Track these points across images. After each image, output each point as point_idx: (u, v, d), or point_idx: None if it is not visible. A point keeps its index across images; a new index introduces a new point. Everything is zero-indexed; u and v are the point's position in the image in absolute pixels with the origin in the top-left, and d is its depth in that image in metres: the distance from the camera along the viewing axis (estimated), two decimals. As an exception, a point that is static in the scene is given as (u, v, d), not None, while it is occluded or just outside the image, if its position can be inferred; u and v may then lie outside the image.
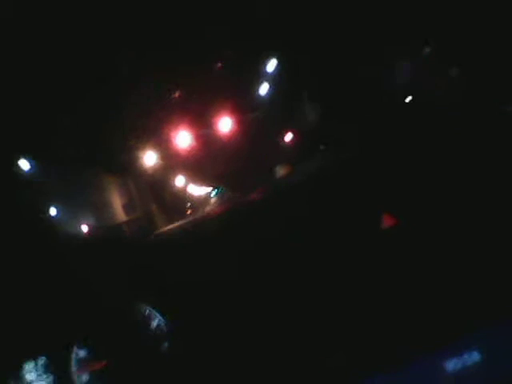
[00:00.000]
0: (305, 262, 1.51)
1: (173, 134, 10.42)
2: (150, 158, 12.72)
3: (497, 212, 1.58)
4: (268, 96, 10.76)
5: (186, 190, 23.21)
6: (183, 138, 10.50)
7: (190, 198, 24.38)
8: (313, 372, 1.48)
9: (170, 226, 2.22)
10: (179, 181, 20.07)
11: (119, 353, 1.47)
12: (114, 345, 1.47)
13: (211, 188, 24.70)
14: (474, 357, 1.48)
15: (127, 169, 12.48)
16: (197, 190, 25.00)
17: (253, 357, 1.52)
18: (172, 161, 12.79)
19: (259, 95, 10.79)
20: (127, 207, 10.76)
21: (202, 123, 10.52)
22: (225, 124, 10.49)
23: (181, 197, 21.92)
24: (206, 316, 1.59)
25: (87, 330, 1.46)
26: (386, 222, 1.58)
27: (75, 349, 1.57)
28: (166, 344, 1.55)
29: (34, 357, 1.53)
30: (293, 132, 11.04)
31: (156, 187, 18.37)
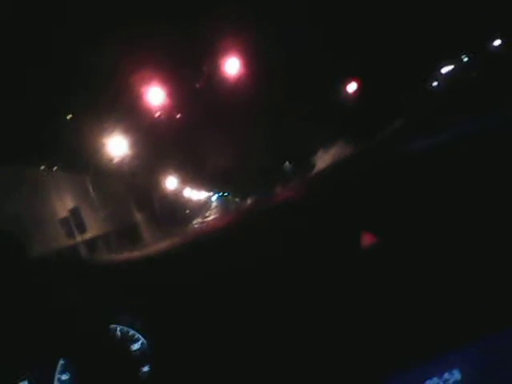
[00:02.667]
0: (297, 282, 1.44)
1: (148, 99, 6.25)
2: (117, 146, 8.38)
3: (482, 231, 1.44)
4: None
5: (181, 195, 19.57)
6: (160, 98, 6.24)
7: (187, 204, 20.77)
8: None
9: (164, 244, 1.90)
10: (170, 183, 16.39)
11: (100, 377, 1.35)
12: (95, 368, 1.36)
13: (212, 192, 20.96)
14: (455, 376, 1.36)
15: (84, 164, 8.76)
16: (194, 194, 21.36)
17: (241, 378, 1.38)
18: (154, 148, 8.54)
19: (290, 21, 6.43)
20: (69, 222, 6.40)
21: (195, 67, 6.35)
22: (231, 66, 6.28)
23: (174, 202, 18.33)
24: (190, 337, 1.44)
25: (67, 354, 1.38)
26: (367, 240, 1.47)
27: (57, 373, 1.41)
28: (147, 367, 1.43)
29: (15, 381, 1.40)
30: (356, 81, 7.18)
31: (138, 191, 14.60)
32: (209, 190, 21.01)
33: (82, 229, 6.33)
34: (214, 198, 20.76)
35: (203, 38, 6.87)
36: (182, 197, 19.17)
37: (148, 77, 6.48)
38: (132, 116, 8.53)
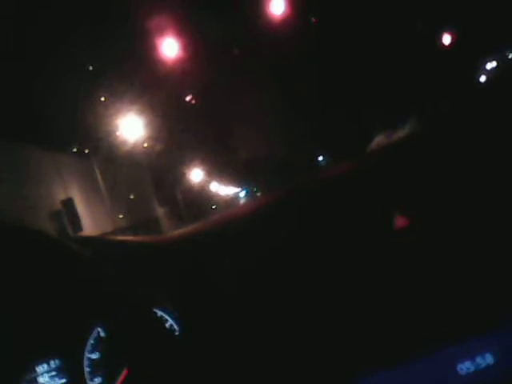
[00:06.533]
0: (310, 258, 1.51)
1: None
2: (133, 127, 7.12)
3: None
4: None
5: (208, 189, 18.52)
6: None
7: (213, 199, 19.73)
8: (313, 369, 1.41)
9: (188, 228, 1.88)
10: (195, 175, 15.30)
11: (134, 354, 1.35)
12: (128, 346, 1.36)
13: (240, 187, 19.90)
14: (488, 359, 1.35)
15: (96, 148, 7.78)
16: (221, 189, 20.28)
17: (258, 355, 1.44)
18: (176, 133, 7.46)
19: None
20: (61, 216, 5.06)
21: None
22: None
23: (201, 197, 17.27)
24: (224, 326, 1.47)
25: (98, 332, 1.47)
26: (400, 222, 1.53)
27: (87, 351, 1.49)
28: (179, 344, 1.45)
29: (46, 359, 1.48)
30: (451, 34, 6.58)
31: (162, 184, 13.43)
32: (237, 185, 19.94)
33: (76, 225, 5.02)
34: (243, 193, 19.69)
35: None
36: (208, 191, 18.06)
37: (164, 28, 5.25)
38: (153, 93, 7.26)
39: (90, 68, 6.69)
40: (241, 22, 5.80)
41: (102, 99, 7.25)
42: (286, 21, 5.36)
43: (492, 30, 7.58)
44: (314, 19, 6.63)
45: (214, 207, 20.63)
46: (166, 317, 1.50)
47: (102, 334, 1.48)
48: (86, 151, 8.01)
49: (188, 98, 7.09)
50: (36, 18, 6.56)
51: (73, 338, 1.48)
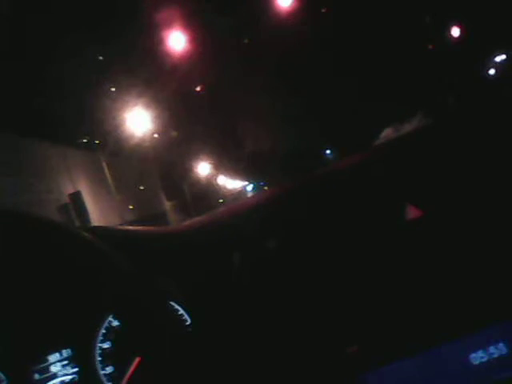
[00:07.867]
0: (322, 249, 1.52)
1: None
2: (140, 121, 7.12)
3: None
4: None
5: (215, 182, 18.52)
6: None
7: (221, 192, 19.74)
8: (328, 361, 1.41)
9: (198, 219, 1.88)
10: (202, 168, 15.31)
11: (145, 343, 1.43)
12: (140, 336, 1.44)
13: (247, 181, 19.87)
14: (501, 349, 1.34)
15: (103, 141, 7.82)
16: (228, 183, 20.29)
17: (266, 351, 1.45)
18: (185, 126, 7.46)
19: None
20: (69, 210, 5.07)
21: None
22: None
23: (208, 191, 17.28)
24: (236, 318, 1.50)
25: (110, 321, 1.49)
26: (412, 213, 1.54)
27: (99, 340, 1.50)
28: (189, 335, 1.50)
29: (58, 348, 1.51)
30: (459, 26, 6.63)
31: (169, 177, 13.44)
32: (244, 179, 19.95)
33: (84, 218, 5.01)
34: (250, 187, 19.69)
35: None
36: (216, 184, 18.08)
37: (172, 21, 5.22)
38: (161, 86, 7.26)
39: (100, 58, 6.66)
40: (248, 14, 5.78)
41: (113, 89, 7.24)
42: (294, 14, 5.34)
43: (501, 23, 7.47)
44: (323, 10, 6.60)
45: (221, 201, 20.68)
46: (177, 307, 1.49)
47: (114, 324, 1.47)
48: (97, 142, 8.02)
49: (198, 89, 7.07)
50: (44, 9, 6.55)
51: (84, 328, 1.48)
